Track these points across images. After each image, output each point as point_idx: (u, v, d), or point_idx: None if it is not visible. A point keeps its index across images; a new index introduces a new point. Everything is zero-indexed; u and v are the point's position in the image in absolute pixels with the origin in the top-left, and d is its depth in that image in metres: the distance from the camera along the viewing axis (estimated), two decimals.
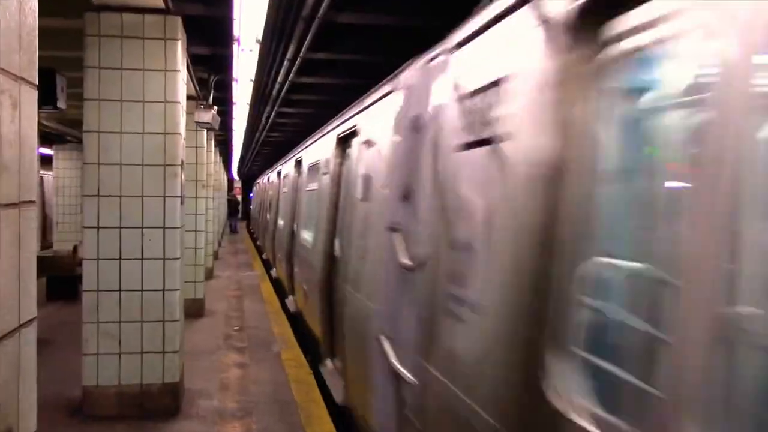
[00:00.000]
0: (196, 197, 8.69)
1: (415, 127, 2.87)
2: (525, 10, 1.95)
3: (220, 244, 18.70)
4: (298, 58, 6.26)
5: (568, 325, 1.62)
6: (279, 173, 12.57)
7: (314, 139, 7.48)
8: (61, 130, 11.19)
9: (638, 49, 1.51)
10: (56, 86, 5.06)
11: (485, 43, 2.26)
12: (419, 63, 3.02)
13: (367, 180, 3.87)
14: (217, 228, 17.18)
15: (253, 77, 7.75)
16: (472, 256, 2.14)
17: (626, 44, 1.54)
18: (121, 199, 4.59)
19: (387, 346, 2.98)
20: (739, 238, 1.20)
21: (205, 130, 8.66)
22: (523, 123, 1.87)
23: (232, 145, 18.00)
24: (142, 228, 4.63)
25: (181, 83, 4.82)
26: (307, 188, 7.45)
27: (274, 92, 8.40)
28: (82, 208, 4.66)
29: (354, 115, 4.75)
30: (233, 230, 28.56)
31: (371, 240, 3.65)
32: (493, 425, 1.86)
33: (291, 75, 7.06)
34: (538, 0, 1.87)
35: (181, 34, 4.76)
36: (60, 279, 9.23)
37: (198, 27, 5.44)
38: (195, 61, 6.45)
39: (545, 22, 1.80)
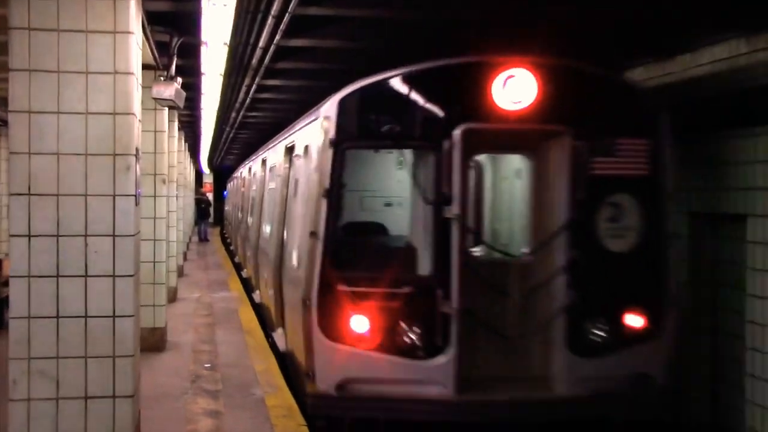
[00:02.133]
0: (155, 196, 8.72)
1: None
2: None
3: (185, 257, 18.78)
4: (287, 15, 6.25)
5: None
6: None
7: None
8: None
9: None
10: None
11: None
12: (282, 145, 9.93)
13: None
14: (182, 236, 17.26)
15: (227, 40, 7.76)
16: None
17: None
18: (58, 199, 4.59)
19: None
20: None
21: (167, 108, 8.69)
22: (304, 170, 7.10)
23: (200, 129, 18.08)
24: (85, 236, 4.63)
25: (135, 48, 4.83)
26: None
27: (255, 59, 8.41)
28: (8, 210, 4.67)
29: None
30: (203, 238, 28.73)
31: None
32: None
33: (277, 36, 7.05)
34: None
35: None
36: None
37: None
38: (153, 20, 6.46)
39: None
